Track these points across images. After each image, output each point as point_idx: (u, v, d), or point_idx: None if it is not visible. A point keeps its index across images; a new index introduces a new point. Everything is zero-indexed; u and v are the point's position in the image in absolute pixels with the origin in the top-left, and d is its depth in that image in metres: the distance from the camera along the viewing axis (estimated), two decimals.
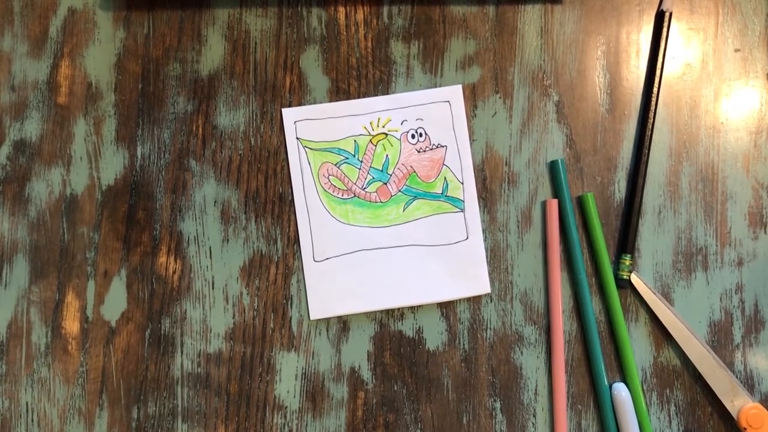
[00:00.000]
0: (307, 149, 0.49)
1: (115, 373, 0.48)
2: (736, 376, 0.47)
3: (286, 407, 0.47)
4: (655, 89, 0.48)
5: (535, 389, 0.47)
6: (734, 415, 0.45)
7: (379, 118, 0.49)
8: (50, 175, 0.49)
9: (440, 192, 0.48)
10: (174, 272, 0.48)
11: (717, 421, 0.47)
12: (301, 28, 0.49)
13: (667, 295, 0.48)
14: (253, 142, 0.49)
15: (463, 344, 0.48)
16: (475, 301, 0.48)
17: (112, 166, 0.49)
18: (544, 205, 0.48)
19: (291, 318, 0.48)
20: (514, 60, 0.49)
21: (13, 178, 0.49)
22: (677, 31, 0.49)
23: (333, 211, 0.48)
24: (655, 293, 0.47)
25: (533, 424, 0.47)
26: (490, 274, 0.48)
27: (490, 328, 0.48)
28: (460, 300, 0.48)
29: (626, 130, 0.49)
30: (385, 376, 0.48)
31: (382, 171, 0.48)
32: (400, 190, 0.48)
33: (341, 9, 0.49)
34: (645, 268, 0.48)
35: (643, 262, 0.48)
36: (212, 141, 0.49)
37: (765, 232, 0.48)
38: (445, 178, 0.48)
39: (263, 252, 0.48)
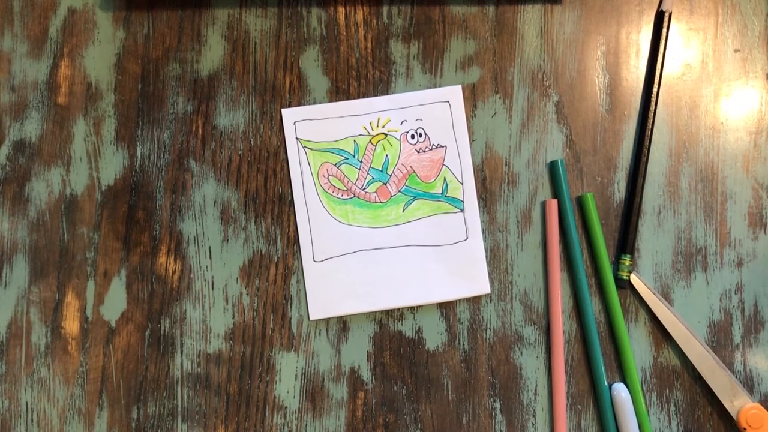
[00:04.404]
0: (306, 149, 0.49)
1: (115, 373, 0.48)
2: (736, 377, 0.47)
3: (286, 407, 0.47)
4: (654, 89, 0.48)
5: (535, 389, 0.47)
6: (734, 415, 0.45)
7: (378, 119, 0.49)
8: (50, 175, 0.49)
9: (440, 192, 0.48)
10: (174, 272, 0.48)
11: (717, 421, 0.47)
12: (301, 28, 0.49)
13: (666, 296, 0.48)
14: (252, 142, 0.49)
15: (463, 344, 0.48)
16: (474, 302, 0.48)
17: (112, 166, 0.49)
18: (543, 205, 0.48)
19: (291, 318, 0.48)
20: (513, 60, 0.49)
21: (13, 178, 0.49)
22: (677, 31, 0.49)
23: (333, 211, 0.48)
24: (654, 293, 0.47)
25: (533, 424, 0.47)
26: (489, 274, 0.48)
27: (490, 329, 0.48)
28: (459, 300, 0.48)
29: (626, 130, 0.49)
30: (385, 377, 0.48)
31: (381, 171, 0.48)
32: (399, 191, 0.48)
33: (341, 9, 0.49)
34: (645, 268, 0.48)
35: (642, 262, 0.48)
36: (212, 141, 0.49)
37: (765, 232, 0.48)
38: (444, 179, 0.48)
39: (263, 252, 0.48)
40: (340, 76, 0.49)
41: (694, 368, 0.47)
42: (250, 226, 0.48)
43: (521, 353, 0.48)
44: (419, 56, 0.49)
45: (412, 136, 0.49)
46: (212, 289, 0.48)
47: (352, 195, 0.48)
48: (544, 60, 0.49)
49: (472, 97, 0.49)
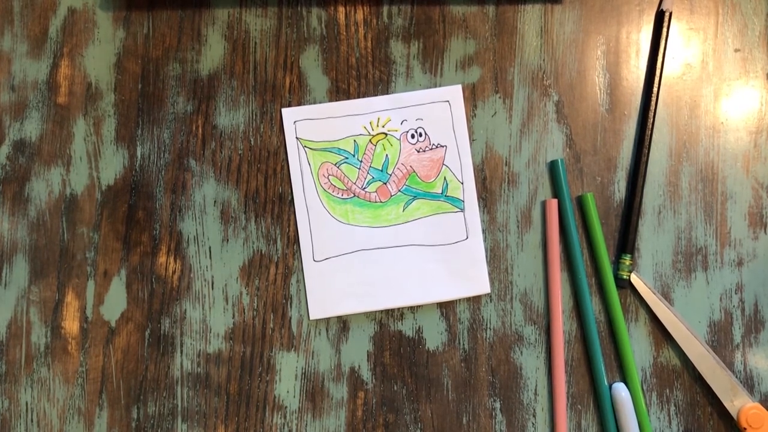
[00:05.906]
0: (306, 149, 0.49)
1: (114, 373, 0.48)
2: (736, 376, 0.47)
3: (286, 407, 0.47)
4: (655, 89, 0.48)
5: (535, 389, 0.47)
6: (734, 415, 0.45)
7: (378, 118, 0.49)
8: (50, 175, 0.49)
9: (440, 192, 0.48)
10: (174, 272, 0.48)
11: (717, 421, 0.47)
12: (301, 28, 0.49)
13: (667, 295, 0.48)
14: (252, 142, 0.49)
15: (463, 344, 0.48)
16: (475, 301, 0.48)
17: (112, 166, 0.49)
18: (544, 205, 0.48)
19: (291, 318, 0.48)
20: (514, 60, 0.49)
21: (13, 178, 0.49)
22: (677, 31, 0.49)
23: (333, 211, 0.48)
24: (655, 293, 0.47)
25: (533, 424, 0.47)
26: (489, 274, 0.48)
27: (490, 328, 0.48)
28: (459, 300, 0.48)
29: (626, 130, 0.49)
30: (385, 376, 0.48)
31: (381, 171, 0.48)
32: (399, 190, 0.48)
33: (341, 9, 0.49)
34: (645, 268, 0.48)
35: (643, 262, 0.48)
36: (212, 141, 0.49)
37: (765, 232, 0.48)
38: (444, 178, 0.48)
39: (263, 252, 0.48)
40: (340, 76, 0.49)
41: (694, 368, 0.47)
42: (250, 225, 0.48)
43: (521, 353, 0.48)
44: (419, 56, 0.49)
45: (412, 136, 0.49)
46: (212, 288, 0.48)
47: (352, 194, 0.48)
48: (544, 60, 0.49)
49: (472, 97, 0.49)
